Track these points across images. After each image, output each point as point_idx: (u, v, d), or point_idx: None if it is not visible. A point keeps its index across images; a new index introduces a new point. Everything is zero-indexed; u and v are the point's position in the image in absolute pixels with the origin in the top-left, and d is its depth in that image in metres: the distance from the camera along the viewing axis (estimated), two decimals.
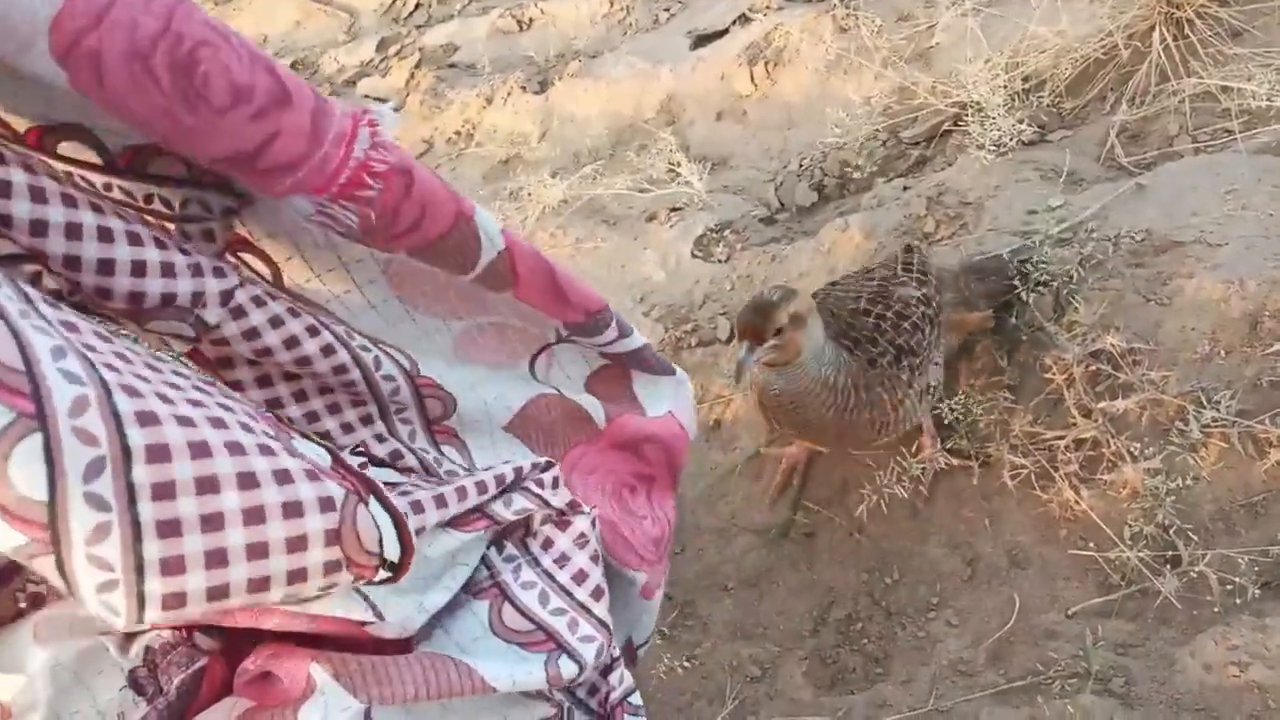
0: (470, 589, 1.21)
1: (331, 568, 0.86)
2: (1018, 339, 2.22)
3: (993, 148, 2.71)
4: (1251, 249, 2.10)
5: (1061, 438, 2.02)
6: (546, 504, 1.25)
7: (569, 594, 1.25)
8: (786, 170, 3.27)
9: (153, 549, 0.75)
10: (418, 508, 1.07)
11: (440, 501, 1.11)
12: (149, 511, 0.75)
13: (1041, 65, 2.93)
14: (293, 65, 5.27)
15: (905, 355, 1.96)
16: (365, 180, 1.02)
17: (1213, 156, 2.47)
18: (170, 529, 0.76)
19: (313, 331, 1.14)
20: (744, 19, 3.87)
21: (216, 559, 0.78)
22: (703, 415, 2.54)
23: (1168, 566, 1.82)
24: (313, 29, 5.75)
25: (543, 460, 1.31)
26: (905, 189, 2.82)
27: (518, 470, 1.24)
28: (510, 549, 1.27)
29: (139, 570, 0.74)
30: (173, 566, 0.76)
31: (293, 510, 0.83)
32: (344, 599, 0.97)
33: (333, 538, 0.86)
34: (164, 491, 0.76)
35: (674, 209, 3.18)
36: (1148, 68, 2.79)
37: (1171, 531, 1.83)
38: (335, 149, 0.99)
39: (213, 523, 0.78)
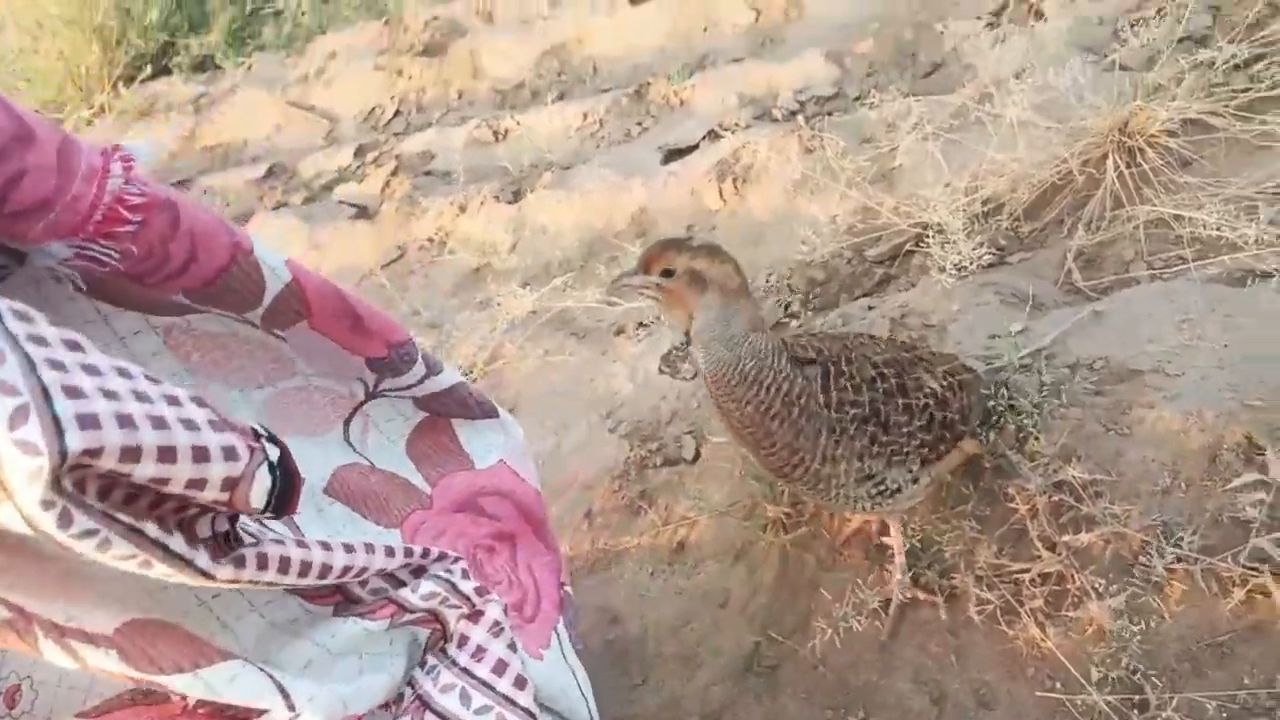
0: (394, 709, 1.17)
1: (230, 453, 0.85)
2: (982, 466, 2.22)
3: (954, 270, 2.76)
4: (1207, 380, 2.12)
5: (1026, 571, 2.00)
6: (455, 589, 1.21)
7: (490, 688, 1.21)
8: (754, 286, 3.30)
9: (64, 405, 0.73)
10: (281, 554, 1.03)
11: (325, 547, 1.07)
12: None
13: (1000, 190, 3.01)
14: (271, 168, 5.33)
15: (880, 428, 1.82)
16: (122, 215, 0.98)
17: (1167, 284, 2.52)
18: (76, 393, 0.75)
19: None
20: (713, 135, 3.97)
21: (127, 422, 0.77)
22: (666, 538, 2.50)
23: (1135, 711, 1.78)
24: (292, 133, 5.84)
25: (450, 554, 1.27)
26: (870, 308, 2.85)
27: (424, 552, 1.20)
28: (431, 660, 1.23)
29: (45, 395, 0.72)
30: (87, 421, 0.74)
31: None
32: (255, 684, 0.94)
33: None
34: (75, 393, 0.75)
35: (642, 323, 3.19)
36: (1102, 194, 2.87)
37: (1138, 675, 1.80)
38: (87, 186, 0.95)
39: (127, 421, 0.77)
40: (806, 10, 4.72)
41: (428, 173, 4.67)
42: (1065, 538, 1.98)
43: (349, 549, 1.12)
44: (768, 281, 3.25)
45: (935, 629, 2.08)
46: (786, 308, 3.13)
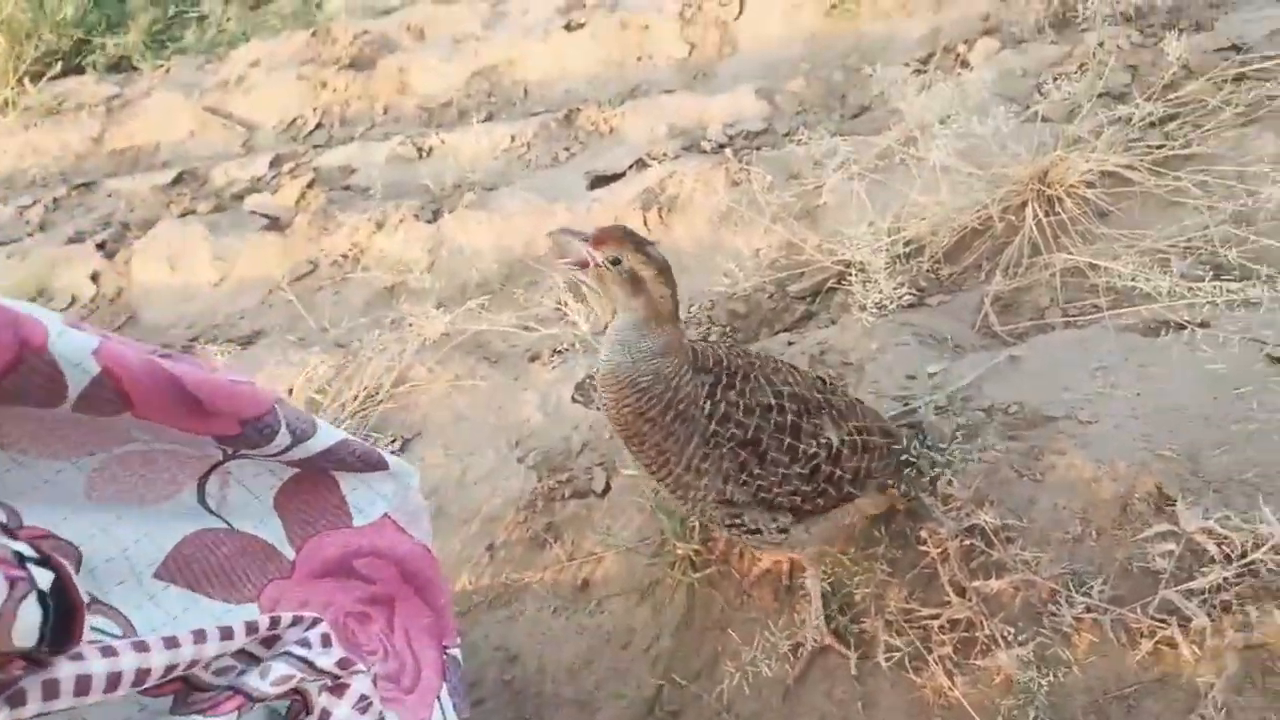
0: None
1: None
2: (895, 509, 2.16)
3: (874, 309, 2.73)
4: (1121, 429, 2.11)
5: (936, 617, 1.94)
6: (312, 667, 1.08)
7: None
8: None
9: None
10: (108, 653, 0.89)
11: (141, 647, 0.93)
12: None
13: (921, 232, 3.01)
14: (181, 175, 5.11)
15: (756, 458, 1.72)
16: None
17: (1082, 331, 2.52)
18: None
19: None
20: (641, 164, 3.92)
21: None
22: (570, 573, 2.39)
23: None
24: (206, 140, 5.63)
25: (307, 615, 1.14)
26: (790, 344, 2.81)
27: (273, 621, 1.07)
28: None
29: None
30: None
31: None
32: None
33: None
34: None
35: (557, 350, 3.09)
36: (1021, 241, 2.89)
37: None
38: None
39: None
40: (740, 47, 4.73)
41: (346, 187, 4.52)
42: (976, 583, 1.93)
43: (170, 643, 0.99)
44: (689, 312, 3.18)
45: (843, 675, 2.00)
46: (705, 338, 3.06)
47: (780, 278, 3.15)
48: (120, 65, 6.84)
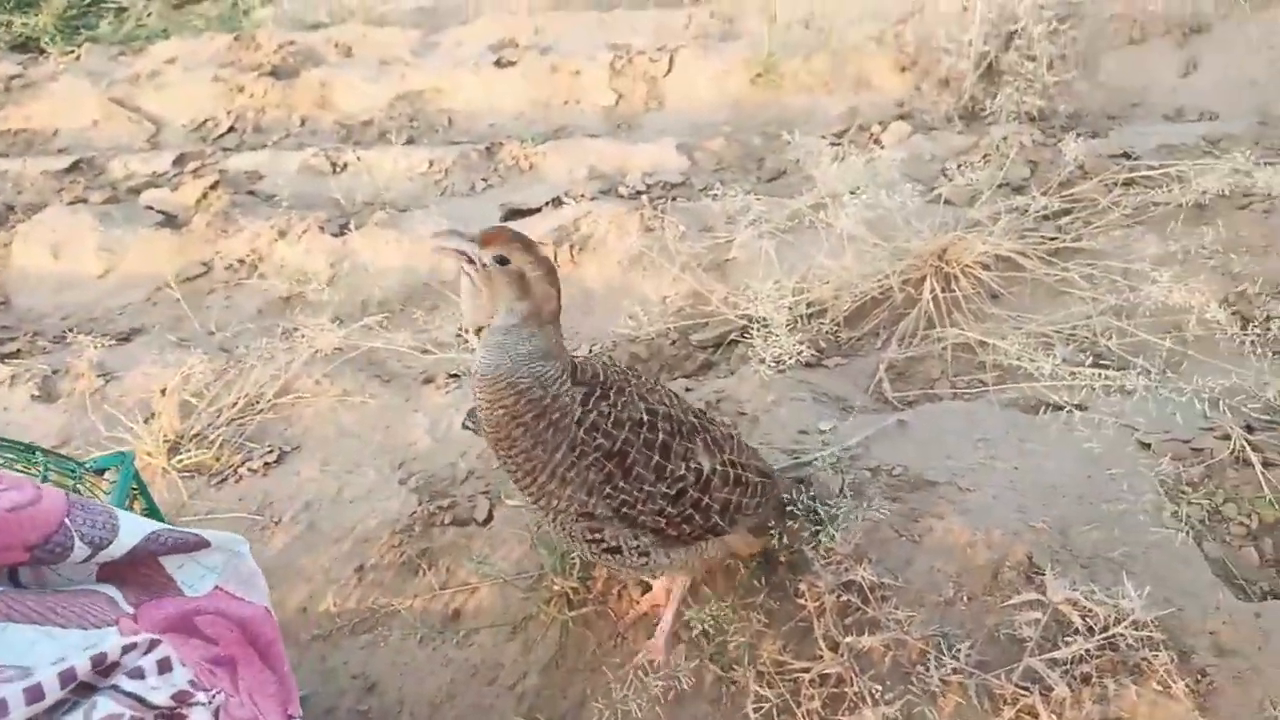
0: None
1: None
2: (777, 560, 2.16)
3: (773, 364, 2.76)
4: (998, 499, 2.17)
5: (808, 670, 1.93)
6: (143, 703, 0.98)
7: None
8: (576, 353, 3.20)
9: None
10: None
11: None
12: None
13: (825, 295, 3.07)
14: (77, 163, 4.88)
15: (621, 471, 1.70)
16: None
17: (968, 404, 2.60)
18: None
19: None
20: (558, 202, 3.91)
21: None
22: (441, 603, 2.30)
23: None
24: (109, 130, 5.40)
25: (143, 638, 1.04)
26: (688, 390, 2.81)
27: (98, 659, 0.97)
28: None
29: None
30: None
31: None
32: None
33: None
34: None
35: (453, 375, 3.02)
36: (918, 313, 2.97)
37: None
38: None
39: None
40: (666, 103, 4.81)
41: (251, 192, 4.38)
42: (849, 639, 1.92)
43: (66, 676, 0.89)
44: (590, 351, 3.16)
45: None
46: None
47: (685, 325, 3.17)
48: (27, 45, 6.55)
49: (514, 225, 3.77)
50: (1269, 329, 2.61)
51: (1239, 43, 4.14)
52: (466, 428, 2.79)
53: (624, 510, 1.73)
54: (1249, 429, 2.29)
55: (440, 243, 1.67)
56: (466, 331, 3.08)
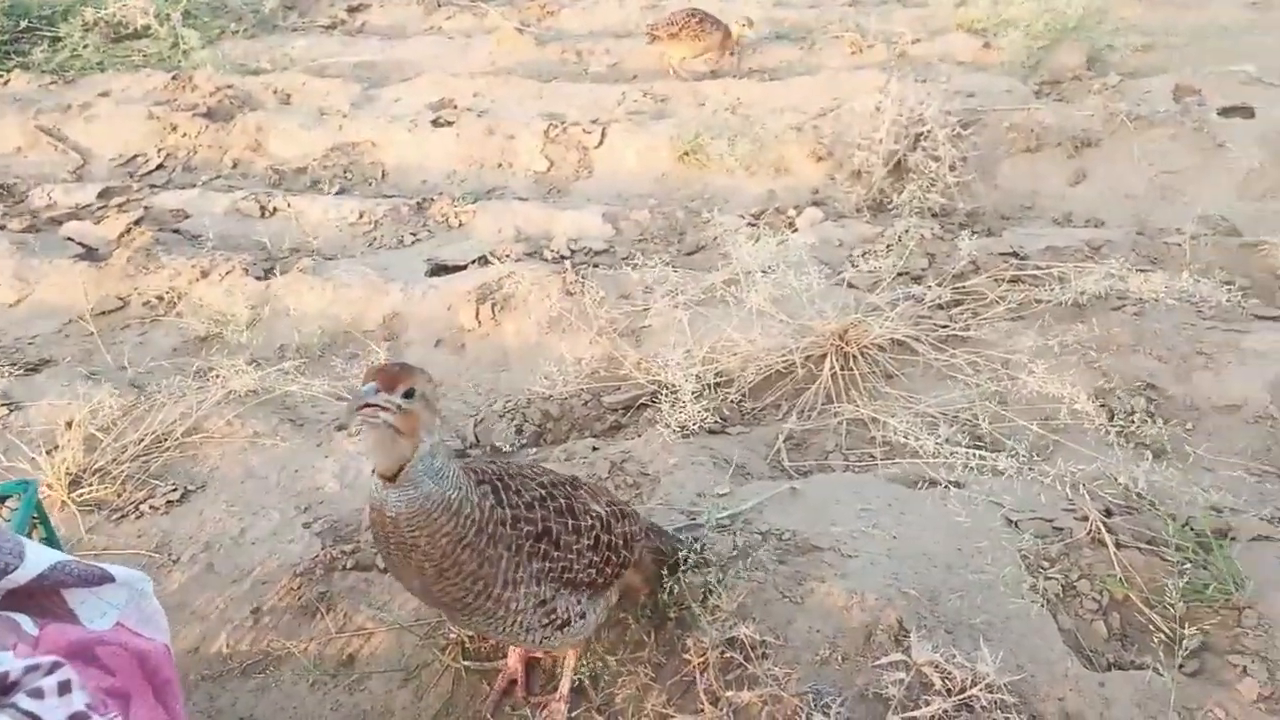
0: None
1: None
2: (666, 616, 2.25)
3: (678, 428, 2.89)
4: (875, 565, 2.31)
5: None
6: None
7: None
8: (491, 409, 3.29)
9: None
10: None
11: None
12: None
13: (732, 366, 3.23)
14: None
15: (553, 544, 1.80)
16: None
17: (857, 476, 2.76)
18: None
19: None
20: (484, 260, 4.02)
21: None
22: (336, 647, 2.32)
23: None
24: (34, 159, 5.37)
25: (47, 660, 1.08)
26: (594, 449, 2.91)
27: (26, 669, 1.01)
28: None
29: None
30: None
31: None
32: None
33: None
34: None
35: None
36: (817, 388, 3.14)
37: None
38: None
39: None
40: (596, 172, 5.00)
41: (176, 230, 4.39)
42: (729, 693, 2.02)
43: None
44: (504, 407, 3.25)
45: None
46: (520, 431, 3.14)
47: (598, 387, 3.28)
48: None
49: (438, 280, 3.87)
50: (1132, 422, 2.85)
51: (1123, 158, 4.51)
52: None
53: (565, 577, 1.85)
54: (1108, 512, 2.48)
55: (352, 416, 1.62)
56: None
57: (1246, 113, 4.66)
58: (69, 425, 2.93)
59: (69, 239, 4.35)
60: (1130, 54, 5.71)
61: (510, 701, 2.17)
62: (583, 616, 1.93)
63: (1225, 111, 4.68)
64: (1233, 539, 2.35)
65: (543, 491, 1.87)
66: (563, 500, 1.89)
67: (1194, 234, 3.81)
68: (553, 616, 1.86)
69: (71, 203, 4.72)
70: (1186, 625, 2.10)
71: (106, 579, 1.37)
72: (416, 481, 1.64)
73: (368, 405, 1.58)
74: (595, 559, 1.90)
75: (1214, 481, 2.64)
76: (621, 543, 1.99)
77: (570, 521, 1.86)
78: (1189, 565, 2.23)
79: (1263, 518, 2.48)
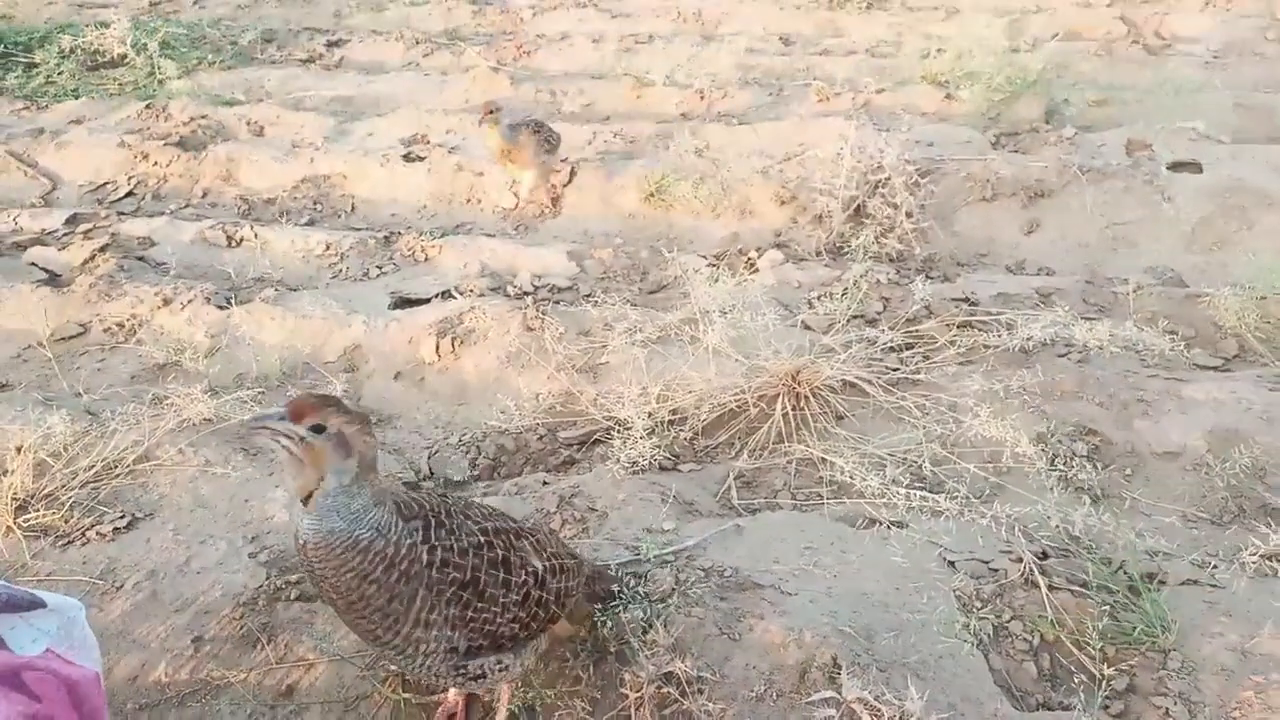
0: None
1: None
2: (606, 649, 2.27)
3: (629, 464, 2.92)
4: (815, 604, 2.34)
5: None
6: None
7: None
8: (446, 442, 3.32)
9: None
10: None
11: None
12: None
13: (687, 403, 3.27)
14: None
15: (476, 596, 1.78)
16: None
17: (803, 515, 2.80)
18: None
19: None
20: (447, 294, 4.06)
21: None
22: (276, 678, 2.32)
23: None
24: (2, 184, 5.38)
25: None
26: (545, 483, 2.94)
27: None
28: None
29: None
30: None
31: None
32: None
33: None
34: None
35: None
36: (769, 427, 3.19)
37: None
38: None
39: None
40: (563, 211, 5.07)
41: (141, 258, 4.40)
42: None
43: None
44: (460, 440, 3.27)
45: None
46: (475, 464, 3.16)
47: (554, 422, 3.32)
48: None
49: (401, 313, 3.91)
50: (1072, 466, 2.91)
51: (1076, 209, 4.63)
52: None
53: (486, 629, 1.83)
54: (1043, 555, 2.53)
55: (252, 431, 1.67)
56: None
57: (1195, 168, 4.80)
58: (18, 450, 2.92)
59: (33, 264, 4.35)
60: (1087, 108, 5.87)
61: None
62: (502, 669, 1.93)
63: (1175, 166, 4.82)
64: (1162, 583, 2.40)
65: (481, 539, 1.85)
66: (500, 550, 1.86)
67: (1140, 284, 3.91)
68: (464, 669, 1.85)
69: (38, 228, 4.72)
70: (1111, 667, 2.14)
71: (38, 605, 1.37)
72: (323, 515, 1.67)
73: (265, 427, 1.63)
74: (522, 615, 1.89)
75: (1149, 526, 2.70)
76: (553, 599, 1.97)
77: (501, 575, 1.84)
78: (1117, 608, 2.28)
79: (1193, 562, 2.54)
